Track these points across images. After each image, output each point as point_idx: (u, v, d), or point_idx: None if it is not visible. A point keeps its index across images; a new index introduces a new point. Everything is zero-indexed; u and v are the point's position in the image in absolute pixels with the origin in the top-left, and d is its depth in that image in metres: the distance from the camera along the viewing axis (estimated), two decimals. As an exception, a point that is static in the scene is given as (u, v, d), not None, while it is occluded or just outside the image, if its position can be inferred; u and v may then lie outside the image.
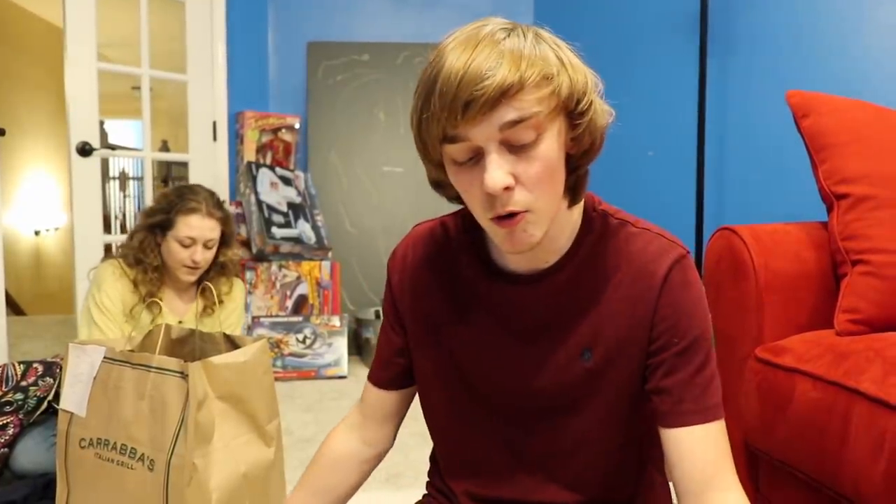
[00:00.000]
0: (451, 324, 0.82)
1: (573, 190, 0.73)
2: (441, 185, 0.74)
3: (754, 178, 2.51)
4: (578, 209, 0.77)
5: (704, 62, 2.44)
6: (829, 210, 1.30)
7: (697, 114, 2.45)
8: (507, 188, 0.64)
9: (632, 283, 0.74)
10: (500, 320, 0.79)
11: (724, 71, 2.56)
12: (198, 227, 1.84)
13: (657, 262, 0.74)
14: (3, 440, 1.62)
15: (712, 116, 2.56)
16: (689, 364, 0.73)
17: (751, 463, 1.29)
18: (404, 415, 0.93)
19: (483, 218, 0.69)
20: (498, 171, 0.63)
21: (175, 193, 1.89)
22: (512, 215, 0.66)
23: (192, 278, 1.89)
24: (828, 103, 1.35)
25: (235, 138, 3.22)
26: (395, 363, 0.89)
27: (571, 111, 0.67)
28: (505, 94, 0.61)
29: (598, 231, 0.77)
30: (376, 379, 0.91)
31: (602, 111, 0.69)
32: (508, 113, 0.62)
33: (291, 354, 2.88)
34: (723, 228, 1.34)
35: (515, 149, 0.64)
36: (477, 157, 0.66)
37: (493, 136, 0.63)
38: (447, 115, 0.62)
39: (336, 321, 2.94)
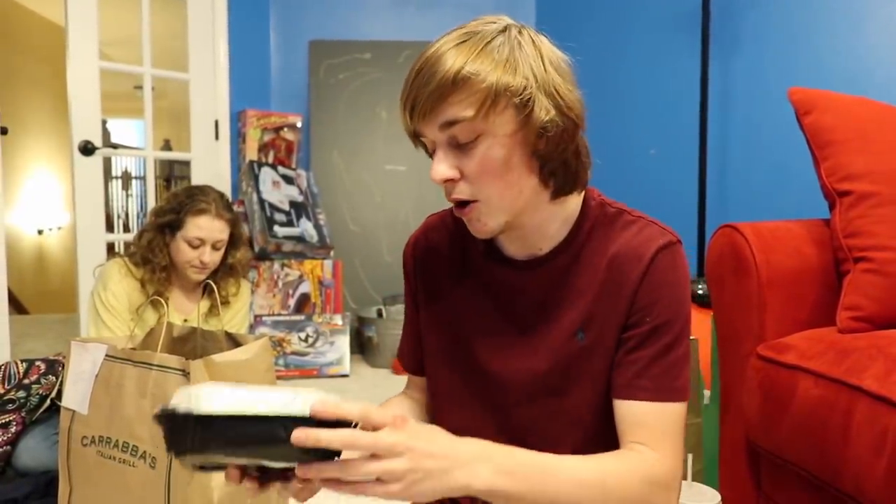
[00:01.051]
0: (457, 305, 0.86)
1: (552, 182, 0.76)
2: None
3: (757, 176, 2.50)
4: (576, 201, 0.81)
5: (706, 59, 2.43)
6: (832, 207, 1.30)
7: (699, 111, 2.44)
8: (449, 180, 0.73)
9: (621, 264, 0.78)
10: (501, 303, 0.83)
11: (726, 68, 2.56)
12: (207, 228, 1.84)
13: (646, 245, 0.77)
14: (5, 438, 1.63)
15: (714, 114, 2.56)
16: (655, 343, 0.76)
17: (752, 461, 1.29)
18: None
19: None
20: (439, 164, 0.72)
21: (185, 194, 1.89)
22: (464, 204, 0.74)
23: (201, 277, 1.90)
24: (830, 100, 1.35)
25: (237, 137, 3.22)
26: (420, 349, 0.93)
27: (514, 110, 0.70)
28: (438, 98, 0.69)
29: (594, 219, 0.81)
30: (409, 366, 0.95)
31: (541, 108, 0.71)
32: (442, 115, 0.70)
33: (294, 353, 2.89)
34: (725, 226, 1.34)
35: (460, 146, 0.72)
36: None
37: (437, 135, 0.72)
38: (404, 115, 0.73)
39: (338, 320, 2.94)
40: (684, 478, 1.18)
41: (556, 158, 0.74)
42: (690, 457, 1.19)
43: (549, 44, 0.75)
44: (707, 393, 1.62)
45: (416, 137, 0.76)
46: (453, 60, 0.68)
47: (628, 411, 0.76)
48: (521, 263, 0.82)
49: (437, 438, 0.62)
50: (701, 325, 1.75)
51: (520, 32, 0.73)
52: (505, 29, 0.72)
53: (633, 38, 2.94)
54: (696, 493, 1.15)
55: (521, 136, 0.72)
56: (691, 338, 1.66)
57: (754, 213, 2.38)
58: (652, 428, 0.74)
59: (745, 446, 1.28)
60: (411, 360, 0.95)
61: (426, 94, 0.69)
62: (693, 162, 2.51)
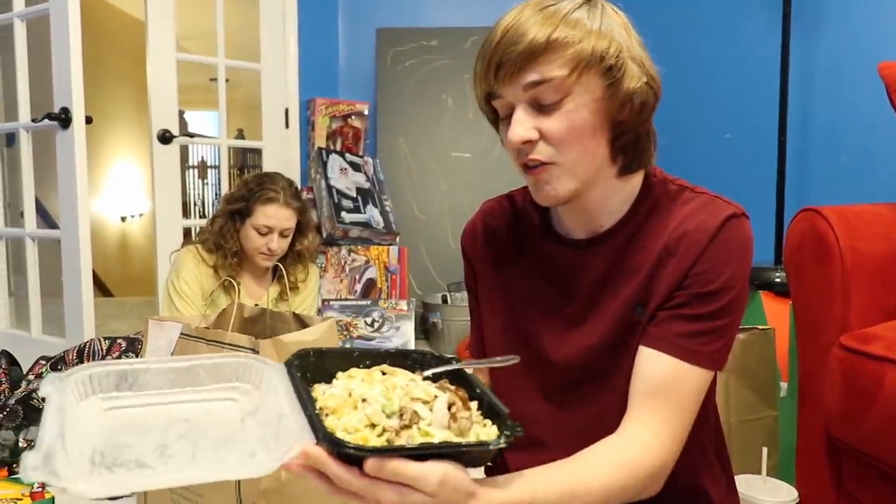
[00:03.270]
0: (517, 288, 0.86)
1: (620, 157, 0.76)
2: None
3: (840, 159, 2.37)
4: (638, 178, 0.81)
5: (787, 36, 2.31)
6: (926, 190, 1.22)
7: (779, 92, 2.33)
8: (528, 141, 0.73)
9: (684, 237, 0.76)
10: (559, 282, 0.83)
11: (809, 45, 2.43)
12: (275, 217, 1.88)
13: (712, 218, 0.76)
14: (91, 412, 1.71)
15: (795, 95, 2.43)
16: (699, 307, 0.74)
17: (832, 456, 1.22)
18: None
19: (519, 170, 0.77)
20: (519, 125, 0.72)
21: (255, 182, 1.94)
22: (538, 165, 0.74)
23: (269, 264, 1.94)
24: (925, 75, 1.26)
25: (307, 125, 3.28)
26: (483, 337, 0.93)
27: (603, 75, 0.71)
28: (528, 58, 0.70)
29: (656, 196, 0.81)
30: (476, 355, 0.95)
31: (632, 76, 0.72)
32: (531, 75, 0.71)
33: (360, 337, 2.93)
34: (806, 209, 1.27)
35: (542, 107, 0.72)
36: (512, 113, 0.74)
37: (519, 95, 0.72)
38: (484, 75, 0.73)
39: (404, 305, 2.96)
40: (758, 472, 1.13)
41: (633, 131, 0.74)
42: (765, 451, 1.14)
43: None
44: (784, 385, 1.55)
45: (487, 101, 0.76)
46: (541, 26, 0.70)
47: (648, 362, 0.74)
48: (580, 242, 0.82)
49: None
50: (778, 315, 1.67)
51: (602, 6, 0.74)
52: (587, 2, 0.74)
53: (708, 14, 2.82)
54: (772, 488, 1.11)
55: (606, 103, 0.72)
56: (767, 327, 1.59)
57: (836, 198, 2.25)
58: (664, 398, 0.72)
59: (824, 441, 1.22)
60: (477, 349, 0.95)
61: (516, 53, 0.70)
62: (771, 145, 2.40)
